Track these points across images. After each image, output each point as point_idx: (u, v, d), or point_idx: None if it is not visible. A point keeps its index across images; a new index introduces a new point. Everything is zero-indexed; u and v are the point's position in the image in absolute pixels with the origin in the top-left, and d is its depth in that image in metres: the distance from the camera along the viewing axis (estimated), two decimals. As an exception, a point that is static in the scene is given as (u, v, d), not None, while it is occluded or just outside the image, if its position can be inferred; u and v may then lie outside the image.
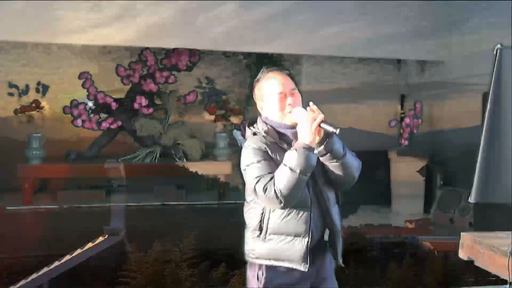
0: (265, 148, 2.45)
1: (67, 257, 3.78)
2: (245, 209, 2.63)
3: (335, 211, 2.55)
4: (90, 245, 3.82)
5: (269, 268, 2.49)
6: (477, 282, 4.13)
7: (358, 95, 8.22)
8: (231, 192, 7.56)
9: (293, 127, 2.47)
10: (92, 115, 7.43)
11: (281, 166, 2.38)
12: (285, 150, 2.43)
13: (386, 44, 7.48)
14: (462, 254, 2.83)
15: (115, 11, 6.76)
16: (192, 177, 7.48)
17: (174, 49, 7.59)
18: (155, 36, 6.97)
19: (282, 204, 2.39)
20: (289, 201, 2.39)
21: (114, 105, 7.42)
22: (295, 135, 2.45)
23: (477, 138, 2.97)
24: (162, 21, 6.87)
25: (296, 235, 2.44)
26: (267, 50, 7.73)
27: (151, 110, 7.56)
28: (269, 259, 2.49)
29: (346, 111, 8.02)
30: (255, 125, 2.56)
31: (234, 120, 8.02)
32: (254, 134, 2.53)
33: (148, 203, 7.08)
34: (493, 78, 2.93)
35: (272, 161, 2.44)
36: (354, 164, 2.51)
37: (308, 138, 2.37)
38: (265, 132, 2.49)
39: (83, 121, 7.37)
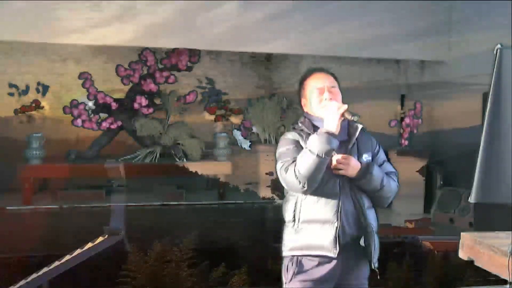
0: (298, 138, 2.60)
1: (67, 257, 3.78)
2: (283, 203, 2.72)
3: (370, 212, 2.62)
4: (90, 245, 3.82)
5: (299, 261, 2.57)
6: (477, 282, 4.13)
7: (358, 95, 8.20)
8: (231, 192, 7.56)
9: None
10: (92, 115, 7.43)
11: (304, 151, 2.50)
12: None
13: (386, 44, 7.48)
14: (462, 254, 2.83)
15: (115, 11, 6.76)
16: (192, 177, 7.47)
17: (174, 49, 7.59)
18: (155, 36, 6.97)
19: (301, 185, 2.48)
20: (308, 182, 2.47)
21: (114, 105, 7.42)
22: None
23: (477, 138, 2.97)
24: (162, 21, 6.87)
25: (326, 221, 2.52)
26: (267, 50, 7.73)
27: (151, 110, 7.56)
28: (301, 249, 2.57)
29: (346, 111, 8.00)
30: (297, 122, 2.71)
31: (234, 120, 8.02)
32: (294, 128, 2.68)
33: (148, 203, 7.08)
34: (493, 78, 2.93)
35: (301, 148, 2.54)
36: (388, 196, 2.67)
37: (332, 125, 2.49)
38: (300, 123, 2.65)
39: (83, 121, 7.37)
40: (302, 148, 2.54)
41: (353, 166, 2.54)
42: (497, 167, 2.92)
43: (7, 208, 6.63)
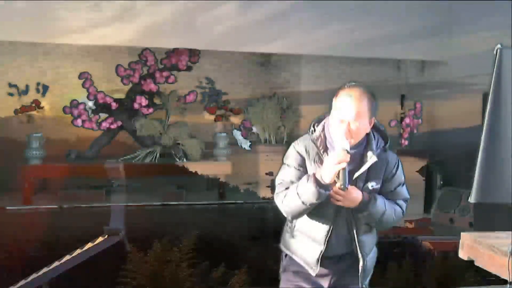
0: (305, 154, 2.51)
1: (67, 257, 3.77)
2: None
3: (365, 238, 2.58)
4: (89, 245, 3.81)
5: (290, 257, 2.65)
6: (477, 282, 4.13)
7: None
8: (231, 192, 7.56)
9: None
10: (92, 115, 7.43)
11: (293, 187, 2.45)
12: (323, 161, 2.45)
13: (386, 44, 7.48)
14: (462, 254, 2.83)
15: (115, 11, 6.76)
16: (192, 177, 7.47)
17: (174, 49, 7.59)
18: (155, 36, 6.97)
19: (286, 216, 2.55)
20: (291, 217, 2.54)
21: (114, 105, 7.42)
22: None
23: (477, 138, 2.97)
24: (162, 21, 6.87)
25: (314, 240, 2.55)
26: (267, 50, 7.73)
27: (151, 110, 7.56)
28: (291, 252, 2.64)
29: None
30: (319, 124, 2.55)
31: (234, 120, 8.02)
32: (312, 132, 2.55)
33: (148, 203, 7.08)
34: (493, 78, 2.94)
35: (304, 169, 2.50)
36: (385, 226, 2.63)
37: (327, 175, 2.36)
38: (314, 139, 2.51)
39: (83, 121, 7.37)
40: (305, 167, 2.48)
41: (351, 200, 2.42)
42: (497, 167, 2.92)
43: (7, 208, 6.62)
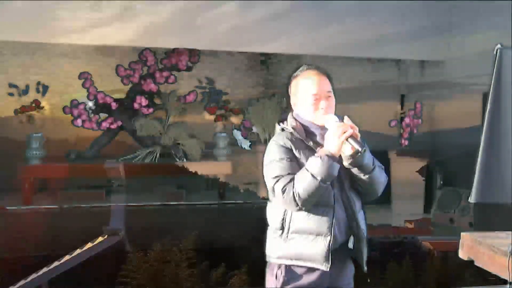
0: (290, 145, 2.46)
1: (67, 257, 3.78)
2: (268, 208, 2.60)
3: (361, 216, 2.57)
4: (89, 245, 3.82)
5: (288, 269, 2.48)
6: (477, 282, 4.13)
7: (358, 95, 8.21)
8: (231, 192, 7.56)
9: (323, 128, 2.48)
10: (92, 115, 7.42)
11: (303, 171, 2.38)
12: (310, 149, 2.45)
13: (386, 44, 7.48)
14: (462, 254, 2.83)
15: (115, 11, 6.76)
16: (192, 177, 7.47)
17: (174, 49, 7.58)
18: (155, 36, 6.97)
19: (298, 207, 2.40)
20: (306, 205, 2.40)
21: (114, 105, 7.42)
22: (323, 137, 2.45)
23: (477, 138, 2.96)
24: (162, 21, 6.87)
25: (318, 234, 2.43)
26: (267, 50, 7.73)
27: (151, 110, 7.55)
28: (291, 259, 2.47)
29: (346, 111, 8.00)
30: (284, 122, 2.56)
31: (234, 120, 8.01)
32: (282, 130, 2.54)
33: (148, 203, 7.07)
34: (493, 78, 2.93)
35: (295, 160, 2.44)
36: (381, 180, 2.56)
37: (334, 148, 2.37)
38: (292, 128, 2.50)
39: (83, 121, 7.36)
40: (295, 158, 2.44)
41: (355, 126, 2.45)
42: (497, 167, 2.91)
43: (7, 208, 6.62)
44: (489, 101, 2.94)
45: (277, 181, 2.42)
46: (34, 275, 3.63)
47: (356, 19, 7.29)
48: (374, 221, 6.55)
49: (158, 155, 7.49)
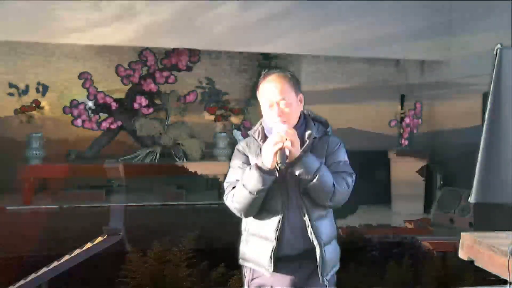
0: (248, 151, 2.52)
1: (66, 257, 3.78)
2: None
3: (320, 224, 2.48)
4: (89, 245, 3.82)
5: (252, 269, 2.54)
6: (477, 282, 4.12)
7: (358, 95, 8.22)
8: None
9: None
10: (92, 115, 7.43)
11: (239, 183, 2.44)
12: None
13: (386, 44, 7.48)
14: (462, 254, 2.83)
15: (115, 11, 6.76)
16: (192, 177, 7.47)
17: (174, 49, 7.59)
18: (155, 36, 6.97)
19: (239, 214, 2.50)
20: (244, 214, 2.48)
21: (114, 105, 7.42)
22: None
23: (477, 138, 2.97)
24: (162, 21, 6.87)
25: (266, 238, 2.47)
26: (267, 50, 7.73)
27: (151, 110, 7.56)
28: (247, 261, 2.55)
29: (346, 111, 8.02)
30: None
31: (234, 120, 8.01)
32: (249, 134, 2.60)
33: (148, 203, 7.08)
34: (493, 78, 2.93)
35: (248, 166, 2.47)
36: (325, 190, 2.41)
37: (266, 160, 2.36)
38: (252, 132, 2.56)
39: (83, 121, 7.37)
40: (248, 165, 2.46)
41: (295, 139, 2.37)
42: (497, 167, 2.91)
43: (7, 208, 6.62)
44: (489, 101, 2.94)
45: (226, 187, 2.53)
46: (33, 275, 3.63)
47: (355, 19, 7.29)
48: (374, 221, 6.57)
49: (158, 155, 7.50)
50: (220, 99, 8.07)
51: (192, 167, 7.43)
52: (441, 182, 7.39)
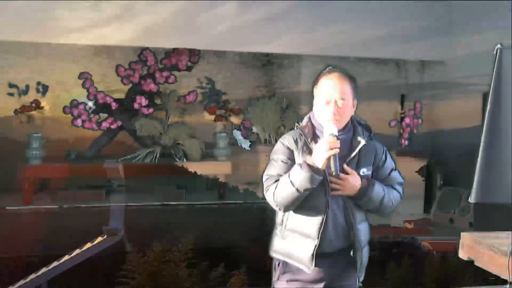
0: (293, 145, 2.50)
1: (66, 257, 3.78)
2: None
3: (361, 227, 2.58)
4: (89, 245, 3.81)
5: (285, 263, 2.57)
6: (477, 282, 4.12)
7: (358, 95, 8.20)
8: (231, 192, 7.55)
9: None
10: (92, 115, 7.42)
11: (285, 177, 2.43)
12: (311, 151, 2.45)
13: (386, 44, 7.48)
14: (462, 254, 2.83)
15: (115, 11, 6.76)
16: (192, 177, 7.47)
17: (174, 49, 7.58)
18: (155, 36, 6.97)
19: (277, 208, 2.49)
20: (284, 209, 2.48)
21: (114, 105, 7.42)
22: None
23: (477, 138, 2.96)
24: (162, 21, 6.87)
25: (308, 236, 2.48)
26: (267, 50, 7.73)
27: (151, 110, 7.55)
28: (283, 256, 2.57)
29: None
30: (303, 120, 2.59)
31: (234, 120, 8.01)
32: (296, 128, 2.58)
33: (148, 203, 7.07)
34: (493, 78, 2.93)
35: (292, 162, 2.47)
36: (387, 211, 2.61)
37: (318, 161, 2.36)
38: (301, 127, 2.54)
39: (83, 121, 7.36)
40: (293, 161, 2.46)
41: (350, 187, 2.44)
42: (497, 167, 2.91)
43: (7, 208, 6.62)
44: (489, 101, 2.94)
45: (266, 179, 2.52)
46: (33, 275, 3.63)
47: (355, 19, 7.29)
48: (374, 221, 6.56)
49: (158, 155, 7.49)
50: (220, 99, 8.07)
51: (192, 167, 7.42)
52: (441, 182, 7.39)
